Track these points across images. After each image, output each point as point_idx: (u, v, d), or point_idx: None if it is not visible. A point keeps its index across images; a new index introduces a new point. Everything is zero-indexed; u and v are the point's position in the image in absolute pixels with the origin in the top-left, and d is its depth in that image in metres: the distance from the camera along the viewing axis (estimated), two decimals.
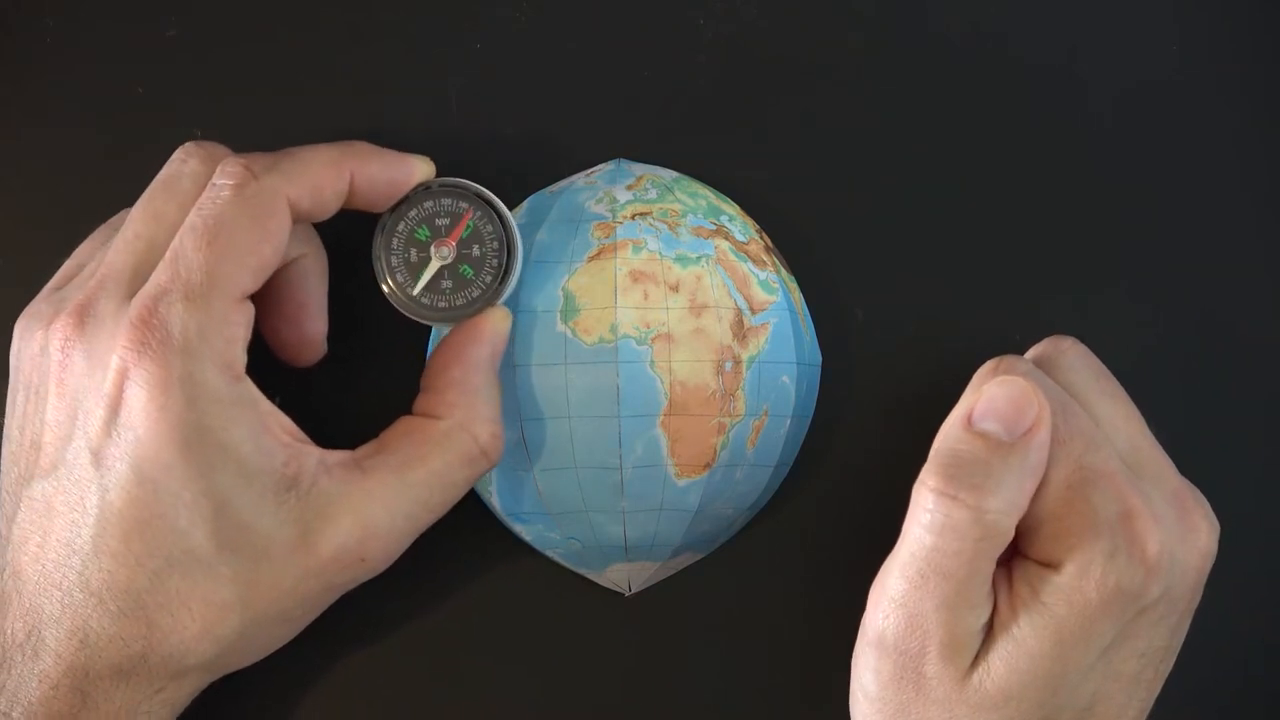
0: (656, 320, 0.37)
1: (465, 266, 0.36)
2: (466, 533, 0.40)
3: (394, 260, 0.36)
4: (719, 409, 0.37)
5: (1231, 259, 0.42)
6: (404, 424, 0.35)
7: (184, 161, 0.35)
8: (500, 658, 0.40)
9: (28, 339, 0.35)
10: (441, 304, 0.36)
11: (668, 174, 0.40)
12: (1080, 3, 0.43)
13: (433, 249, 0.36)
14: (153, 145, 0.42)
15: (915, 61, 0.42)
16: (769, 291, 0.39)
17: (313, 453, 0.34)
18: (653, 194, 0.39)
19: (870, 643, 0.35)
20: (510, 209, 0.40)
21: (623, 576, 0.40)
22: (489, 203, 0.36)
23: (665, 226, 0.38)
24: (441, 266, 0.36)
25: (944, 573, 0.33)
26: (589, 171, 0.41)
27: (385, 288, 0.36)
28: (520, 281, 0.37)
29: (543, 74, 0.42)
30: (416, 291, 0.36)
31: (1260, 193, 0.42)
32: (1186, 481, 0.36)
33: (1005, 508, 0.33)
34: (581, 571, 0.40)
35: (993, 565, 0.34)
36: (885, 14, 0.42)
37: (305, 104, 0.42)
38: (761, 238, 0.40)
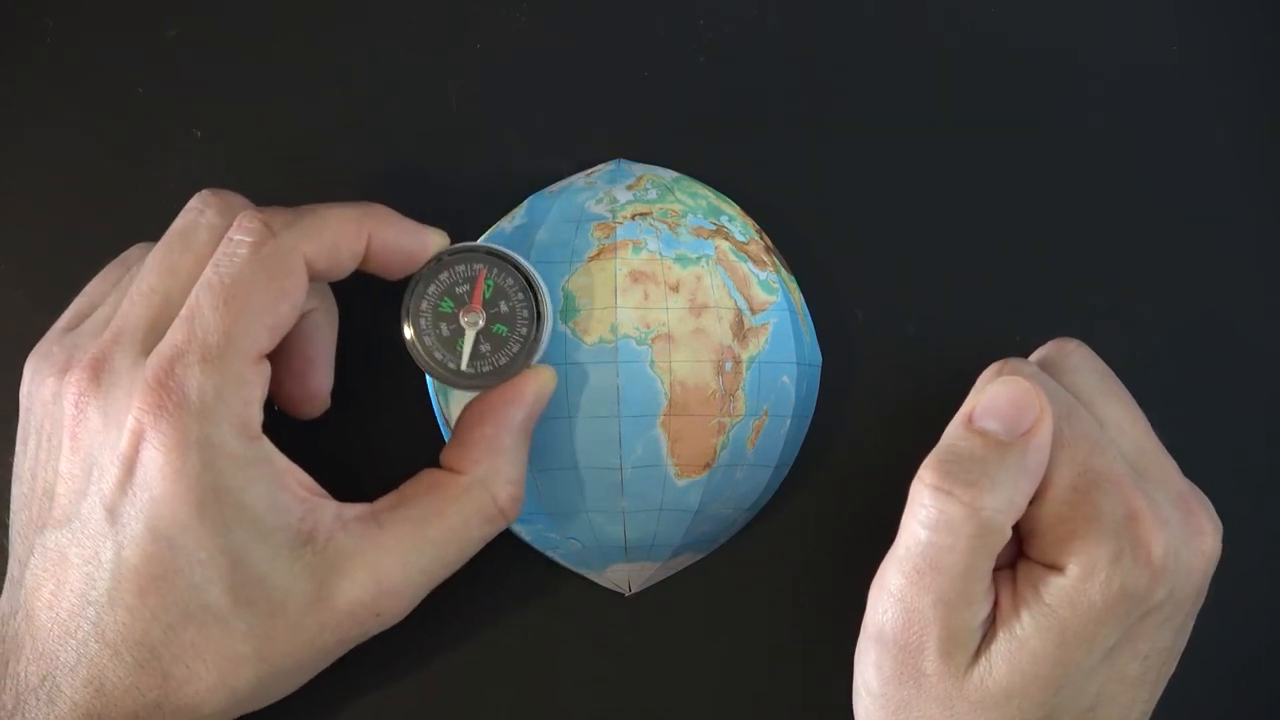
0: (656, 320, 0.37)
1: (498, 325, 0.35)
2: None
3: (428, 340, 0.35)
4: (719, 409, 0.37)
5: (1232, 259, 0.42)
6: (426, 477, 0.35)
7: (200, 212, 0.35)
8: (500, 658, 0.40)
9: (39, 382, 0.34)
10: (486, 369, 0.35)
11: (668, 174, 0.40)
12: (1080, 4, 0.43)
13: (462, 318, 0.35)
14: (153, 145, 0.42)
15: (916, 61, 0.42)
16: (769, 292, 0.39)
17: (329, 507, 0.33)
18: (653, 194, 0.39)
19: (871, 638, 0.35)
20: (510, 209, 0.40)
21: (623, 576, 0.40)
22: (501, 256, 0.36)
23: (665, 227, 0.38)
24: (476, 333, 0.35)
25: (940, 568, 0.33)
26: (589, 171, 0.41)
27: (428, 369, 0.35)
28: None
29: (543, 74, 0.42)
30: (463, 366, 0.35)
31: (1261, 193, 0.42)
32: (1191, 484, 0.36)
33: (1001, 506, 0.33)
34: (581, 571, 0.40)
35: (990, 563, 0.34)
36: (885, 14, 0.42)
37: (305, 104, 0.42)
38: (761, 238, 0.40)
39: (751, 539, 0.41)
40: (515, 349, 0.35)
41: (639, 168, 0.40)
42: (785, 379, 0.38)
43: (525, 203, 0.40)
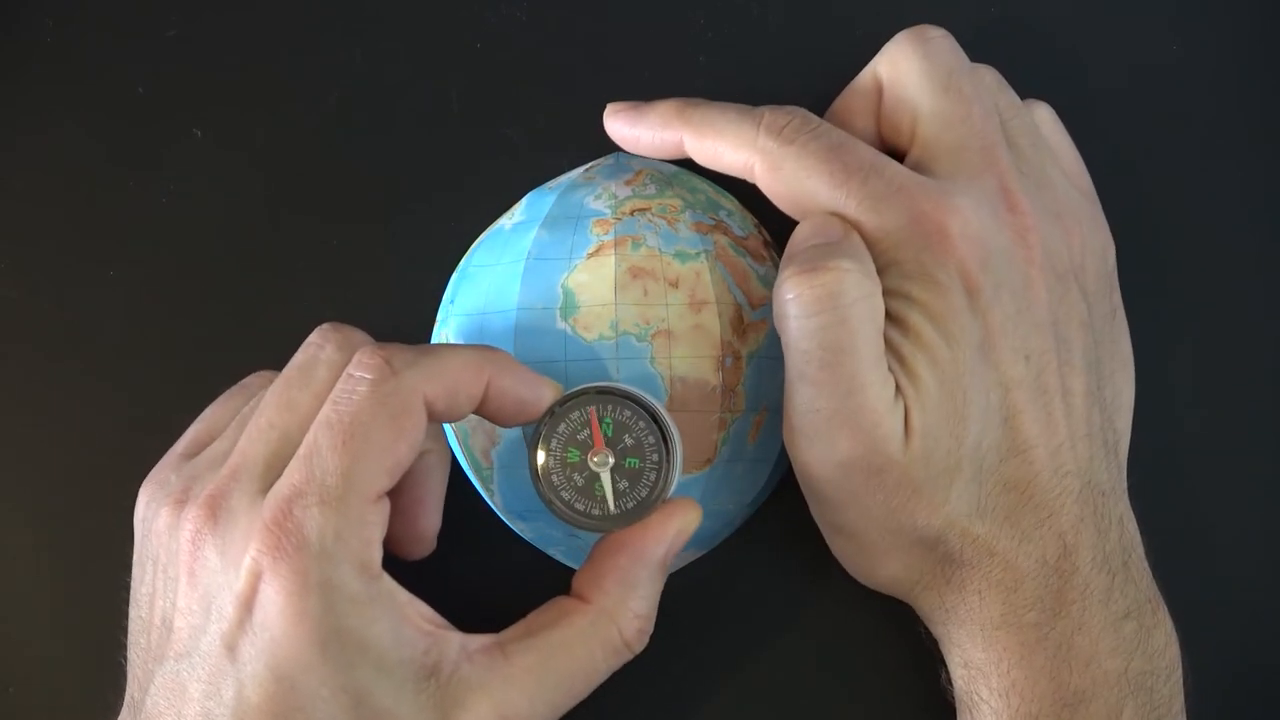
0: (656, 316, 0.37)
1: (629, 459, 0.35)
2: (468, 531, 0.40)
3: (565, 495, 0.35)
4: (719, 405, 0.37)
5: (1231, 259, 0.42)
6: (554, 606, 0.35)
7: (320, 347, 0.34)
8: None
9: (154, 510, 0.34)
10: (631, 505, 0.35)
11: (667, 168, 0.40)
12: (1082, 4, 0.43)
13: (591, 462, 0.35)
14: (153, 145, 0.42)
15: None
16: (768, 286, 0.38)
17: (453, 639, 0.33)
18: (651, 189, 0.39)
19: (833, 468, 0.35)
20: (509, 208, 0.40)
21: None
22: (609, 392, 0.35)
23: (664, 222, 0.38)
24: (611, 472, 0.35)
25: (841, 348, 0.33)
26: (587, 166, 0.41)
27: (574, 521, 0.35)
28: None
29: (543, 73, 0.42)
30: (613, 509, 0.35)
31: (1261, 192, 0.42)
32: (1028, 181, 0.36)
33: (859, 267, 0.33)
34: None
35: (879, 329, 0.34)
36: (885, 12, 0.42)
37: (305, 104, 0.42)
38: (760, 232, 0.40)
39: (752, 535, 0.40)
40: (652, 476, 0.35)
41: (637, 161, 0.40)
42: None
43: (524, 199, 0.40)
